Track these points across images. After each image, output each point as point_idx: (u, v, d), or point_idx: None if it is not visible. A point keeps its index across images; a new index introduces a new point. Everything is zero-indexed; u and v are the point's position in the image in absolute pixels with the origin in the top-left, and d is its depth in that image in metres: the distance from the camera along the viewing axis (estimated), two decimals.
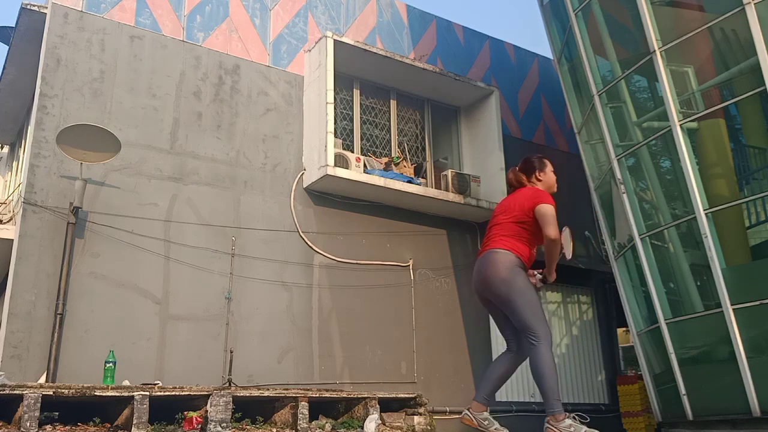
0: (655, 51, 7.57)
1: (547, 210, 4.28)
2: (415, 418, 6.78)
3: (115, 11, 8.19)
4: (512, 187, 4.70)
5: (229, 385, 7.01)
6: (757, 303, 6.81)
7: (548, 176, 4.61)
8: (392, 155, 9.80)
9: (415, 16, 10.81)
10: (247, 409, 6.09)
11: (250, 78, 8.93)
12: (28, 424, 4.86)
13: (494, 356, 9.97)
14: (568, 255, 4.47)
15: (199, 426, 5.51)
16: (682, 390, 7.44)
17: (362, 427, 6.18)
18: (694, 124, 7.60)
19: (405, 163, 9.75)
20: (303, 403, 6.06)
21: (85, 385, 5.29)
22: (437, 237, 9.86)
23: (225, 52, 8.82)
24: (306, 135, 9.03)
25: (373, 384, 8.20)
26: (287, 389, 6.51)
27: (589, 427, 4.00)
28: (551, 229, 4.20)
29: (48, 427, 5.15)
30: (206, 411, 5.56)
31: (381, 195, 9.12)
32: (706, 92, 7.73)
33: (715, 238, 7.14)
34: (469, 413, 4.26)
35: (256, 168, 8.64)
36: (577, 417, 3.97)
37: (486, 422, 4.19)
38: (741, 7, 6.90)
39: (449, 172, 9.72)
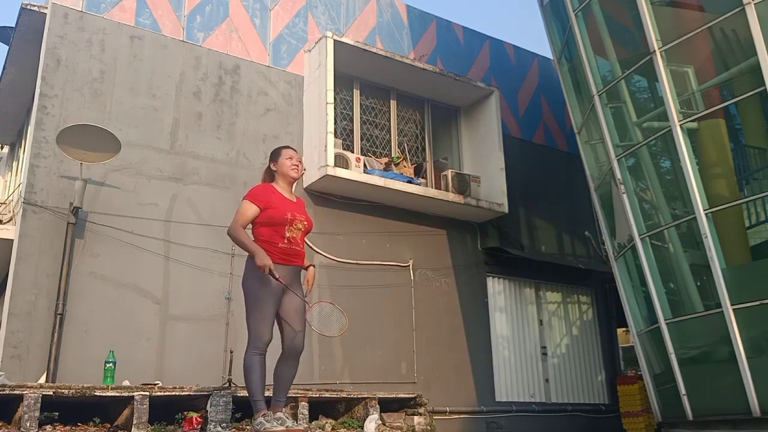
0: (655, 51, 7.57)
1: (240, 207, 4.45)
2: (415, 418, 6.78)
3: (115, 11, 8.19)
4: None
5: (229, 385, 7.00)
6: (757, 303, 6.81)
7: (281, 165, 4.57)
8: (392, 155, 9.81)
9: (415, 16, 10.81)
10: (247, 409, 6.08)
11: (250, 78, 8.93)
12: (28, 424, 4.86)
13: (494, 356, 10.00)
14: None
15: (199, 426, 5.51)
16: (682, 390, 7.44)
17: (362, 427, 6.19)
18: (694, 124, 7.59)
19: (405, 163, 9.75)
20: (303, 403, 6.06)
21: (85, 385, 5.29)
22: (437, 237, 9.86)
23: (225, 52, 8.82)
24: (306, 135, 9.03)
25: (373, 384, 8.20)
26: None
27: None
28: (230, 226, 4.43)
29: (48, 427, 5.15)
30: (206, 411, 5.56)
31: (381, 195, 9.12)
32: (706, 92, 7.72)
33: (715, 238, 7.14)
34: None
35: (256, 168, 8.64)
36: (271, 415, 4.27)
37: (279, 422, 4.31)
38: (741, 7, 6.90)
39: (449, 172, 9.72)
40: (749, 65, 7.03)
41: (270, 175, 4.64)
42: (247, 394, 4.34)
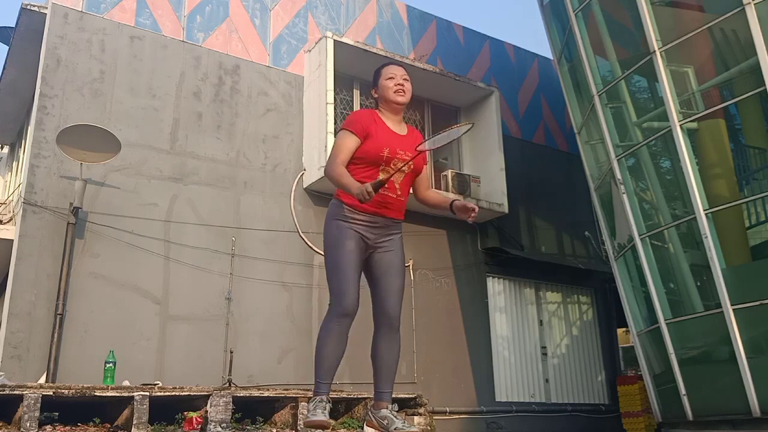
0: (655, 51, 7.57)
1: (336, 137, 3.47)
2: (415, 418, 6.78)
3: (115, 11, 8.19)
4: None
5: (229, 385, 7.01)
6: (757, 303, 6.81)
7: (381, 89, 3.52)
8: None
9: (415, 17, 10.81)
10: (247, 409, 6.10)
11: (250, 78, 8.93)
12: (28, 424, 4.86)
13: (494, 356, 9.99)
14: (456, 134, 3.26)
15: (199, 426, 5.51)
16: (682, 390, 7.44)
17: (362, 427, 6.18)
18: (694, 125, 7.60)
19: None
20: (303, 403, 6.06)
21: (85, 385, 5.29)
22: (437, 237, 9.85)
23: (225, 52, 8.82)
24: (306, 135, 9.03)
25: (373, 384, 8.19)
26: (287, 389, 6.51)
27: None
28: (326, 163, 3.41)
29: (48, 428, 5.14)
30: (206, 411, 5.56)
31: None
32: (706, 92, 7.72)
33: (715, 238, 7.14)
34: (370, 415, 3.59)
35: (256, 168, 8.64)
36: (321, 402, 3.40)
37: (385, 421, 3.46)
38: (741, 7, 6.90)
39: (449, 172, 9.72)
40: (749, 65, 7.03)
41: (376, 103, 3.63)
42: (315, 367, 3.51)
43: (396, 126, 3.51)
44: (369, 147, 3.38)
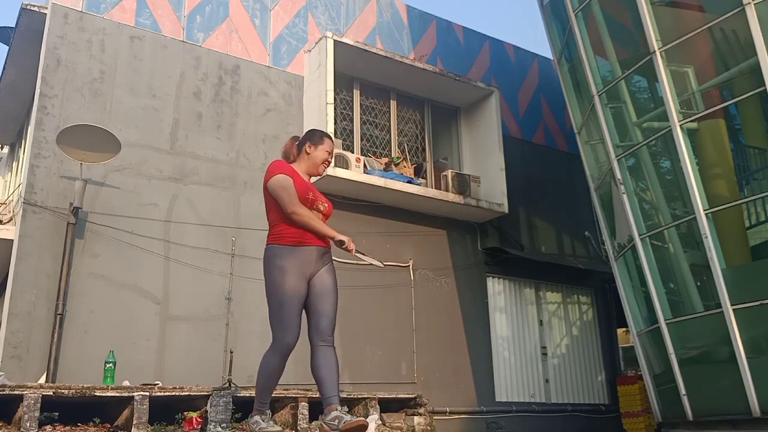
0: (655, 51, 7.57)
1: (276, 184, 3.91)
2: (415, 418, 6.78)
3: (115, 11, 8.19)
4: (287, 159, 4.20)
5: (229, 385, 7.01)
6: (757, 303, 6.81)
7: (317, 154, 4.11)
8: (392, 155, 9.80)
9: (415, 17, 10.81)
10: (247, 409, 6.07)
11: (250, 78, 8.93)
12: (28, 424, 4.86)
13: (494, 357, 9.99)
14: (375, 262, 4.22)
15: (199, 426, 5.51)
16: (682, 390, 7.44)
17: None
18: (694, 125, 7.60)
19: (405, 164, 9.75)
20: (303, 403, 6.06)
21: (85, 386, 5.29)
22: (437, 237, 9.86)
23: (225, 52, 8.82)
24: None
25: (373, 384, 8.19)
26: (287, 389, 6.51)
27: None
28: (288, 207, 3.87)
29: (48, 428, 5.14)
30: (206, 411, 5.56)
31: (381, 195, 9.11)
32: (706, 92, 7.72)
33: (715, 238, 7.14)
34: (321, 421, 3.84)
35: (256, 168, 8.64)
36: (269, 415, 4.04)
37: (336, 421, 3.68)
38: (741, 8, 6.90)
39: (449, 173, 9.72)
40: (749, 65, 7.03)
41: (296, 150, 4.17)
42: (256, 392, 3.99)
43: (306, 177, 4.14)
44: (297, 191, 3.94)
